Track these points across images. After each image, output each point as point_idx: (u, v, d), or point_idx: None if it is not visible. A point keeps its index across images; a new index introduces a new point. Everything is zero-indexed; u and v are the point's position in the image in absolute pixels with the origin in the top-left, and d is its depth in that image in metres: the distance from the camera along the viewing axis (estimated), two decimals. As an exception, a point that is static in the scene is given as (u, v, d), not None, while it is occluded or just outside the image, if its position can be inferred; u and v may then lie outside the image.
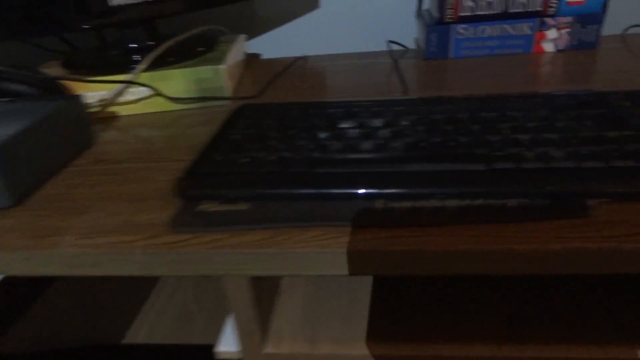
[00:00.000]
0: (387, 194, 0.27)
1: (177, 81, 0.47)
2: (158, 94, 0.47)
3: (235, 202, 0.29)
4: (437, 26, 0.56)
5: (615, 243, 0.23)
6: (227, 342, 0.34)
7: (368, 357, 0.33)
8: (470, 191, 0.27)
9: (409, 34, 0.68)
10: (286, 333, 0.35)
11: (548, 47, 0.57)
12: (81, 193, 0.32)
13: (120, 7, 0.46)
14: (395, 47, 0.65)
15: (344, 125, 0.34)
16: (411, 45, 0.66)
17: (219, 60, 0.49)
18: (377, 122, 0.34)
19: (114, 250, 0.26)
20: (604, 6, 0.54)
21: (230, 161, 0.31)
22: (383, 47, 0.67)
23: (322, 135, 0.33)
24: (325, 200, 0.28)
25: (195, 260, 0.26)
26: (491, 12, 0.55)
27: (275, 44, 0.72)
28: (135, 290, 0.59)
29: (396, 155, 0.29)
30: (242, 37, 0.61)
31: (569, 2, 0.54)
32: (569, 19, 0.55)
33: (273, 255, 0.25)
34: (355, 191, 0.28)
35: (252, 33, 0.72)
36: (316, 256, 0.25)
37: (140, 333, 0.53)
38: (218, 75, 0.47)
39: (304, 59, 0.64)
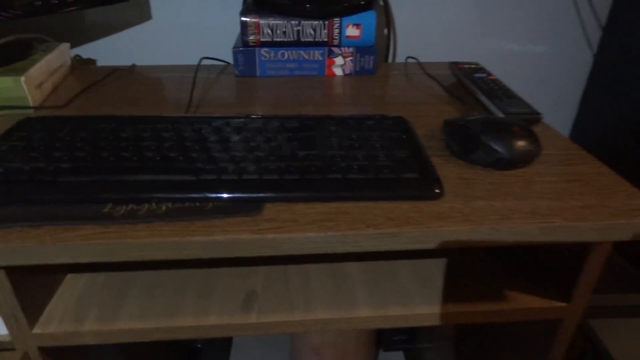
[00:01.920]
0: (112, 198, 0.35)
1: (-24, 89, 0.50)
2: (-45, 101, 0.50)
3: (-16, 206, 0.34)
4: (243, 48, 0.65)
5: (261, 234, 0.33)
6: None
7: (126, 331, 0.40)
8: (180, 197, 0.35)
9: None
10: (57, 316, 0.41)
11: (337, 71, 0.68)
12: None
13: None
14: (212, 62, 0.73)
15: (94, 137, 0.41)
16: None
17: (22, 70, 0.52)
18: (127, 137, 0.41)
19: None
20: (389, 37, 0.67)
21: (-15, 171, 0.36)
22: (211, 61, 0.75)
23: (78, 146, 0.39)
24: (65, 203, 0.35)
25: None
26: (286, 39, 0.65)
27: (111, 51, 0.76)
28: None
29: (128, 164, 0.37)
30: (64, 45, 0.64)
31: (348, 36, 0.65)
32: (351, 49, 0.66)
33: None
34: (89, 196, 0.35)
35: (87, 41, 0.75)
36: (35, 249, 0.31)
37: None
38: (18, 86, 0.51)
39: (124, 69, 0.69)
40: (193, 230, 0.33)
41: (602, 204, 0.37)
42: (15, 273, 0.37)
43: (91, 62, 0.77)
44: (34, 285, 0.40)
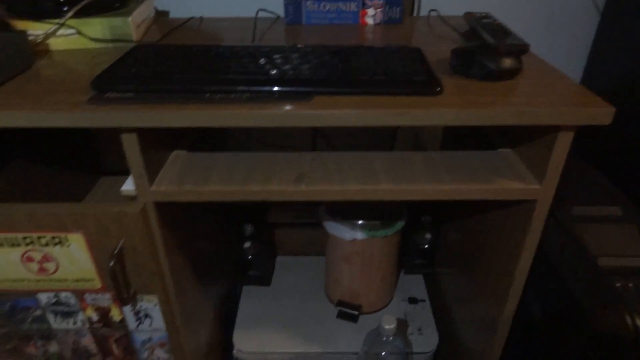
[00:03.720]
0: (210, 89, 0.51)
1: (97, 27, 0.67)
2: (81, 35, 0.67)
3: (125, 92, 0.51)
4: (292, 1, 0.79)
5: (313, 110, 0.48)
6: (129, 183, 0.57)
7: (214, 192, 0.56)
8: (255, 89, 0.51)
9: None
10: (166, 179, 0.58)
11: (369, 20, 0.82)
12: (33, 88, 0.53)
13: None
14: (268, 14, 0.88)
15: (191, 56, 0.57)
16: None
17: (127, 13, 0.69)
18: (213, 55, 0.57)
19: (58, 112, 0.48)
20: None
21: (124, 71, 0.53)
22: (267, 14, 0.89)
23: (180, 60, 0.56)
24: (176, 93, 0.51)
25: (96, 118, 0.48)
26: (328, -8, 0.79)
27: (180, 4, 0.92)
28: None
29: (219, 69, 0.53)
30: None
31: (379, -10, 0.79)
32: (381, 1, 0.80)
33: (136, 113, 0.48)
34: (194, 87, 0.51)
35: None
36: (165, 115, 0.48)
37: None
38: (126, 24, 0.68)
39: (199, 18, 0.85)
40: (265, 108, 0.49)
41: (561, 101, 0.50)
42: (143, 140, 0.53)
43: (165, 13, 0.93)
44: (152, 154, 0.57)
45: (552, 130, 0.53)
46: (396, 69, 0.54)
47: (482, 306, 0.78)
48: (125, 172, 0.56)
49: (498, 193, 0.57)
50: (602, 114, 0.49)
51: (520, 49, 0.62)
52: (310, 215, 1.11)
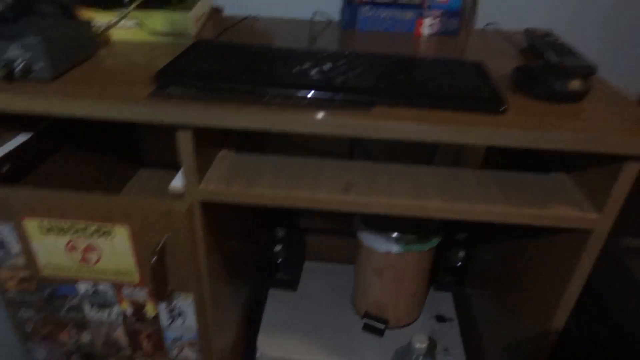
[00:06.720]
0: (270, 92, 0.50)
1: (158, 20, 0.68)
2: (142, 27, 0.67)
3: (188, 87, 0.51)
4: (348, 6, 0.79)
5: (368, 121, 0.47)
6: (178, 180, 0.57)
7: (261, 196, 0.56)
8: (316, 95, 0.50)
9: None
10: (214, 179, 0.57)
11: (425, 30, 0.80)
12: (95, 78, 0.54)
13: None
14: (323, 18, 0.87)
15: (251, 56, 0.57)
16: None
17: (188, 9, 0.69)
18: (272, 57, 0.57)
19: (120, 105, 0.48)
20: (473, 5, 0.78)
21: (186, 67, 0.53)
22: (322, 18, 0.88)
23: (241, 60, 0.55)
24: (236, 93, 0.51)
25: (158, 112, 0.48)
26: (386, 0, 0.78)
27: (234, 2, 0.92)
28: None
29: (279, 72, 0.52)
30: (207, -4, 0.81)
31: (438, 1, 0.77)
32: (439, 12, 0.78)
33: (197, 111, 0.47)
34: (255, 89, 0.50)
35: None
36: (225, 115, 0.48)
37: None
38: (186, 20, 0.68)
39: (254, 17, 0.85)
40: (325, 115, 0.48)
41: (631, 128, 0.48)
42: (197, 138, 0.53)
43: (219, 10, 0.93)
44: (203, 153, 0.56)
45: (619, 159, 0.50)
46: (460, 83, 0.52)
47: (518, 333, 0.75)
48: (163, 165, 0.56)
49: (553, 220, 0.55)
50: (678, 146, 0.46)
51: (587, 70, 0.60)
52: (342, 223, 1.09)
